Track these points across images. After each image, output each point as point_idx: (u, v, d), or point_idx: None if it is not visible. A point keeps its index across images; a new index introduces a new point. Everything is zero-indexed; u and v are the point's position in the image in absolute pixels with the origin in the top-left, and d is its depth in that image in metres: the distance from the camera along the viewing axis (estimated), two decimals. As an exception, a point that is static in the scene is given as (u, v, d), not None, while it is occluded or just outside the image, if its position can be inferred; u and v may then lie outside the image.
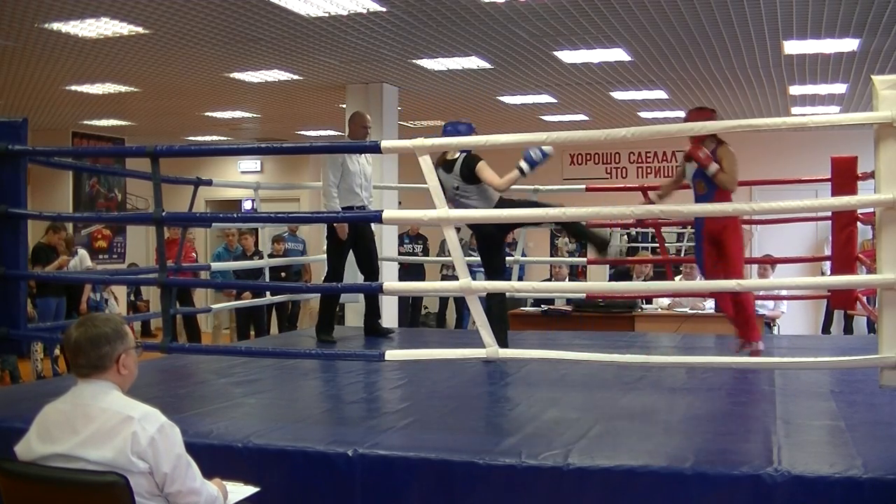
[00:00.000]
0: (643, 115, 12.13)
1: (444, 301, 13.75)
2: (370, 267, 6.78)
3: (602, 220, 7.22)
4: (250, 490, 2.83)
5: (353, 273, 7.38)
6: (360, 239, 6.69)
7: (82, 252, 10.80)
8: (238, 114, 12.28)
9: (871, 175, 4.12)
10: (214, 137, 14.83)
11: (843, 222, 6.29)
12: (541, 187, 7.42)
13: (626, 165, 14.64)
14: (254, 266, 9.21)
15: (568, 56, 8.54)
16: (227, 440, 3.57)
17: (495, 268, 5.85)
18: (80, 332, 2.59)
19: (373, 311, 7.03)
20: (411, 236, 12.95)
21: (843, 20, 7.17)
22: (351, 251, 6.74)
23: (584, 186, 8.02)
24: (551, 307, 9.55)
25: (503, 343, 5.04)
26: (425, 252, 12.93)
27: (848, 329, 11.92)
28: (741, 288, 4.89)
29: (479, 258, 6.09)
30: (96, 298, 10.59)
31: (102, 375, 2.58)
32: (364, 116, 6.84)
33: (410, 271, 11.70)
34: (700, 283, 8.16)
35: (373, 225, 7.07)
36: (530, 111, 11.77)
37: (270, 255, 9.55)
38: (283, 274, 11.44)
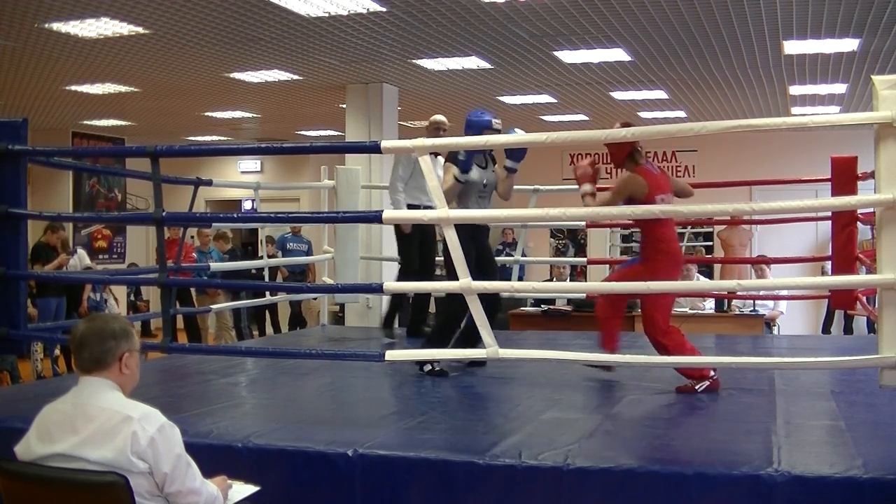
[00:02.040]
0: (643, 115, 12.12)
1: None
2: (427, 267, 6.74)
3: (602, 219, 7.22)
4: (250, 489, 2.83)
5: (353, 274, 7.37)
6: (425, 237, 6.69)
7: (81, 251, 10.81)
8: (238, 114, 12.28)
9: (871, 175, 4.12)
10: (214, 137, 14.83)
11: (843, 222, 6.28)
12: (541, 187, 7.42)
13: (626, 165, 14.60)
14: (251, 266, 9.20)
15: (568, 56, 8.54)
16: (227, 440, 3.57)
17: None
18: (88, 326, 2.63)
19: (419, 314, 6.95)
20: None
21: (843, 20, 7.17)
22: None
23: (584, 186, 7.99)
24: (551, 307, 9.56)
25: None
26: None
27: (848, 329, 11.92)
28: (741, 288, 4.87)
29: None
30: (96, 298, 10.58)
31: (104, 373, 2.58)
32: (440, 122, 6.61)
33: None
34: (699, 283, 8.18)
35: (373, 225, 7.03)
36: (530, 111, 11.76)
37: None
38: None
